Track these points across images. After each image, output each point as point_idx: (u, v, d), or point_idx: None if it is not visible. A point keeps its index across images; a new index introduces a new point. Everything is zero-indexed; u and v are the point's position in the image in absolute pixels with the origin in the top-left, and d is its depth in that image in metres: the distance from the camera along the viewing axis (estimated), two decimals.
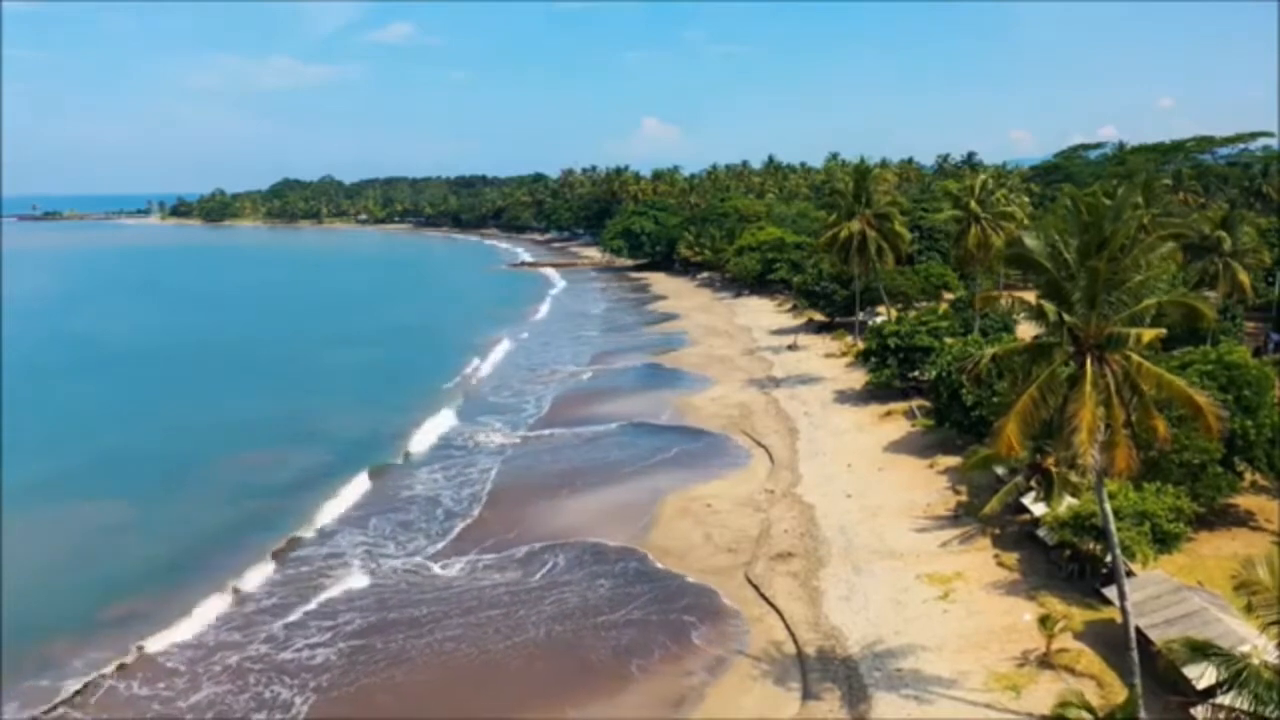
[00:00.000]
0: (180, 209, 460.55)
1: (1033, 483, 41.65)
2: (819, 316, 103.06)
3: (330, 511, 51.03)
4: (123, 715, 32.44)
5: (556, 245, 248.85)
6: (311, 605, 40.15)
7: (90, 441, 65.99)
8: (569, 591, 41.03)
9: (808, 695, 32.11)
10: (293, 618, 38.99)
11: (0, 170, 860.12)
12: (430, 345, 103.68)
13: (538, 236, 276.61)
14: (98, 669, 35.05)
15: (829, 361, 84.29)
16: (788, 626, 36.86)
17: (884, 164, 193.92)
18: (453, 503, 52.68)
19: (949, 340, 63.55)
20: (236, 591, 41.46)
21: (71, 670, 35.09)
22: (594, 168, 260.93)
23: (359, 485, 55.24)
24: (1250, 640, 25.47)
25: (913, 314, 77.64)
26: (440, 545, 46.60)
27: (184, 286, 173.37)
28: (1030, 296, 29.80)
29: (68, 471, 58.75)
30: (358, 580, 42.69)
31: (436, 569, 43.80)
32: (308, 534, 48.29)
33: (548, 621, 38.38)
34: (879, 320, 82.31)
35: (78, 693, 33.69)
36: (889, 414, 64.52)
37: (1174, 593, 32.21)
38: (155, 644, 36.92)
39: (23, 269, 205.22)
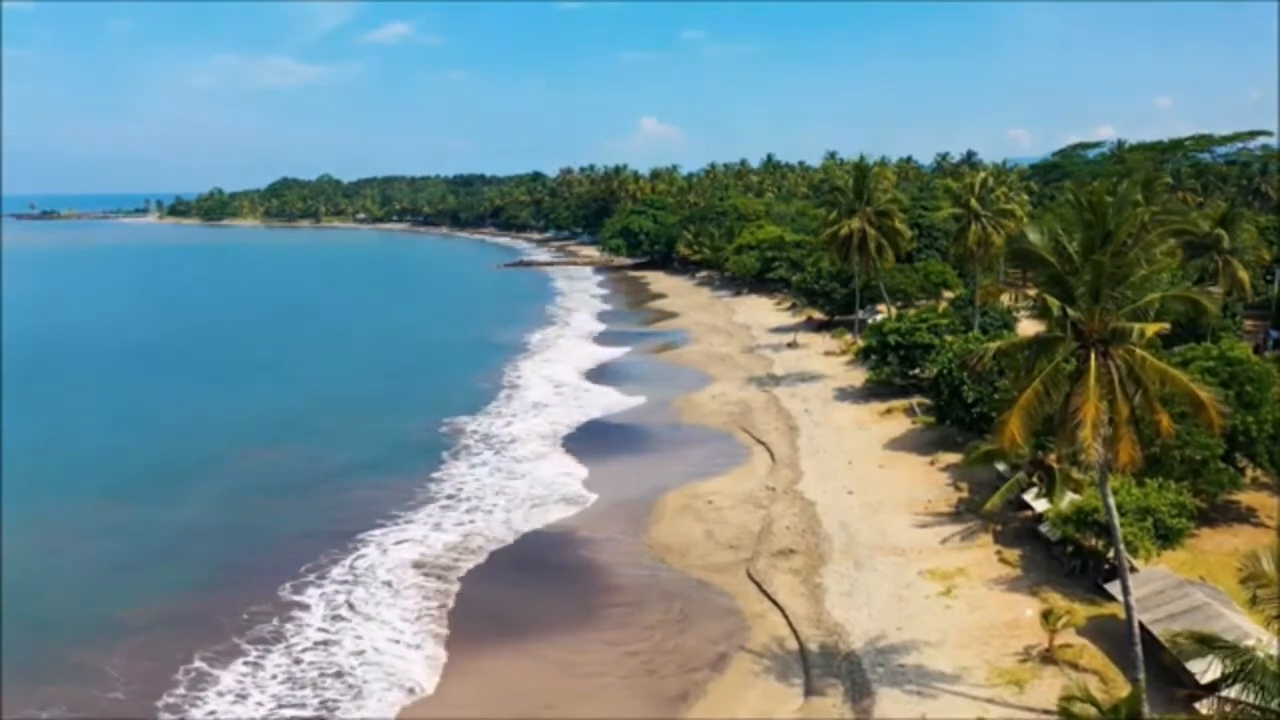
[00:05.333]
0: (178, 208, 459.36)
1: (1034, 479, 41.68)
2: (818, 314, 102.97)
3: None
4: None
5: (555, 244, 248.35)
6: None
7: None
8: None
9: (810, 691, 32.07)
10: None
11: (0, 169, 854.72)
12: (434, 352, 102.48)
13: (536, 235, 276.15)
14: None
15: (829, 359, 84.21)
16: (790, 623, 36.80)
17: (883, 162, 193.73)
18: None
19: (949, 338, 63.55)
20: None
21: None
22: (592, 167, 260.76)
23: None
24: (1253, 635, 25.46)
25: (912, 312, 77.63)
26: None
27: (198, 285, 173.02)
28: (1031, 294, 29.85)
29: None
30: None
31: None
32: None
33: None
34: (879, 318, 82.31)
35: None
36: (889, 411, 64.49)
37: (1177, 588, 32.24)
38: None
39: (38, 269, 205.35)
